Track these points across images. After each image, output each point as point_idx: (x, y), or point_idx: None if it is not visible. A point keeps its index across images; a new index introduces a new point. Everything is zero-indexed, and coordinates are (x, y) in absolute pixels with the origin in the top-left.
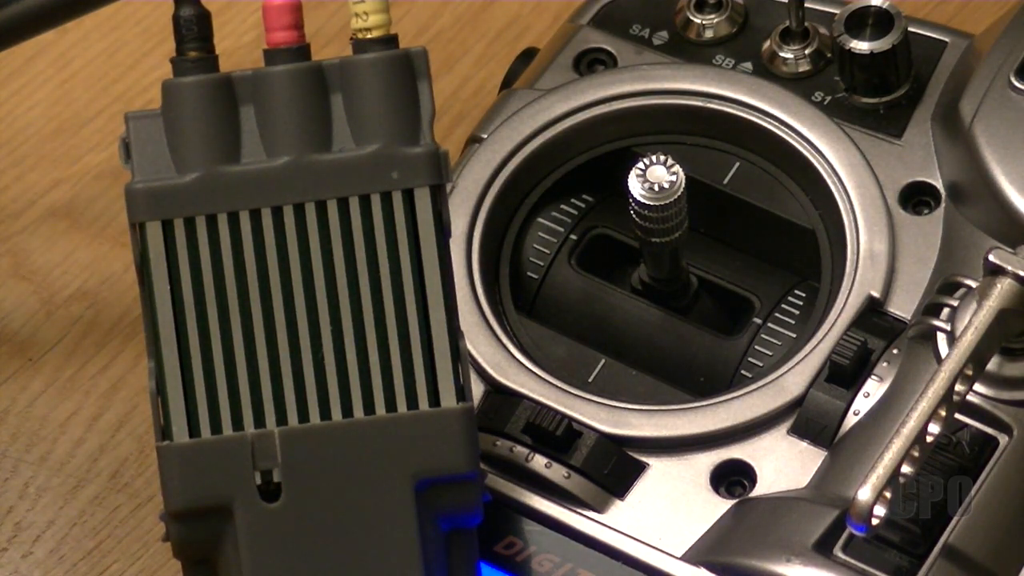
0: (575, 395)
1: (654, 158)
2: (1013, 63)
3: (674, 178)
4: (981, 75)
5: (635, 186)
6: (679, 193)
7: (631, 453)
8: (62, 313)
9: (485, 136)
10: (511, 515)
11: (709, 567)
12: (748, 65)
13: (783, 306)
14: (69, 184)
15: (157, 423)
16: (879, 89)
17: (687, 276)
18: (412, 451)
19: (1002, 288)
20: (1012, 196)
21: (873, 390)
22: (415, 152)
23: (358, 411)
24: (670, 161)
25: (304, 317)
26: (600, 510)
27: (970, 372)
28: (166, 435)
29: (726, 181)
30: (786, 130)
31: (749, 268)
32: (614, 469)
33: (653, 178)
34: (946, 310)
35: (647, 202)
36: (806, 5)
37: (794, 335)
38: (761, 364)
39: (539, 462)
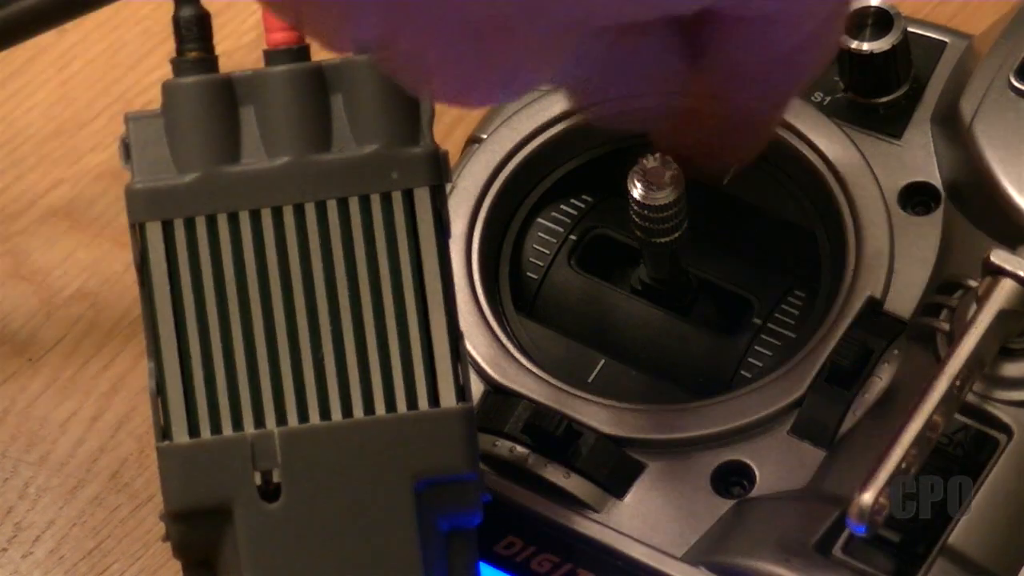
0: (575, 395)
1: (654, 158)
2: (1013, 63)
3: (674, 178)
4: (981, 75)
5: (635, 187)
6: (679, 193)
7: (631, 453)
8: (62, 313)
9: (485, 136)
10: (511, 515)
11: (709, 567)
12: None
13: (783, 306)
14: (69, 184)
15: (157, 423)
16: (879, 89)
17: (687, 277)
18: (412, 451)
19: (1002, 289)
20: (1012, 196)
21: (873, 390)
22: (415, 152)
23: (358, 411)
24: (670, 161)
25: (304, 317)
26: (600, 510)
27: (970, 372)
28: (166, 435)
29: (726, 181)
30: (786, 130)
31: (749, 268)
32: (614, 469)
33: (653, 178)
34: (946, 310)
35: (647, 202)
36: None
37: (794, 335)
38: (761, 364)
39: (539, 462)
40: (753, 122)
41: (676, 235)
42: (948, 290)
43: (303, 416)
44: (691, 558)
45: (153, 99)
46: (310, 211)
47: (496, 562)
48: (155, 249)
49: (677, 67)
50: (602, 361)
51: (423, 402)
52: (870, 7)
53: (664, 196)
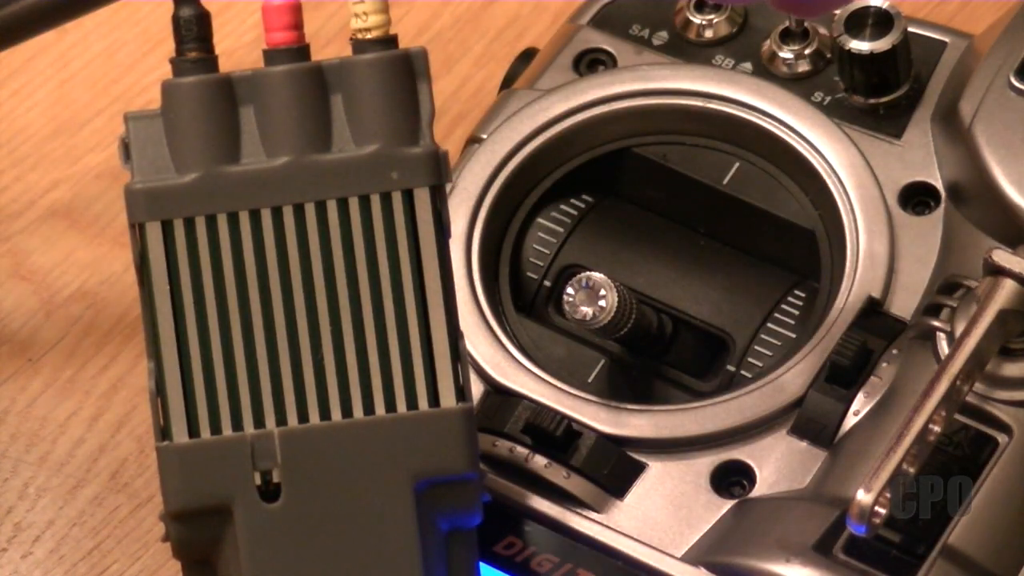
0: (575, 395)
1: (580, 284)
2: (1013, 63)
3: (603, 303)
4: (981, 75)
5: (574, 311)
6: (613, 312)
7: (631, 453)
8: (62, 313)
9: (485, 136)
10: (511, 515)
11: (709, 567)
12: (748, 65)
13: (783, 306)
14: (69, 184)
15: (157, 423)
16: (879, 89)
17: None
18: (412, 451)
19: (1002, 289)
20: (1012, 196)
21: (873, 390)
22: (415, 152)
23: (358, 411)
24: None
25: (304, 317)
26: (600, 510)
27: (970, 372)
28: (166, 435)
29: (726, 181)
30: (786, 130)
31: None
32: (614, 469)
33: (584, 307)
34: (946, 310)
35: (588, 323)
36: None
37: (794, 335)
38: (761, 364)
39: (539, 462)
40: None
41: (626, 329)
42: (948, 290)
43: (303, 416)
44: (691, 558)
45: (153, 99)
46: (310, 211)
47: (496, 562)
48: (155, 249)
49: None
50: (602, 361)
51: (423, 402)
52: (870, 7)
53: (597, 320)
